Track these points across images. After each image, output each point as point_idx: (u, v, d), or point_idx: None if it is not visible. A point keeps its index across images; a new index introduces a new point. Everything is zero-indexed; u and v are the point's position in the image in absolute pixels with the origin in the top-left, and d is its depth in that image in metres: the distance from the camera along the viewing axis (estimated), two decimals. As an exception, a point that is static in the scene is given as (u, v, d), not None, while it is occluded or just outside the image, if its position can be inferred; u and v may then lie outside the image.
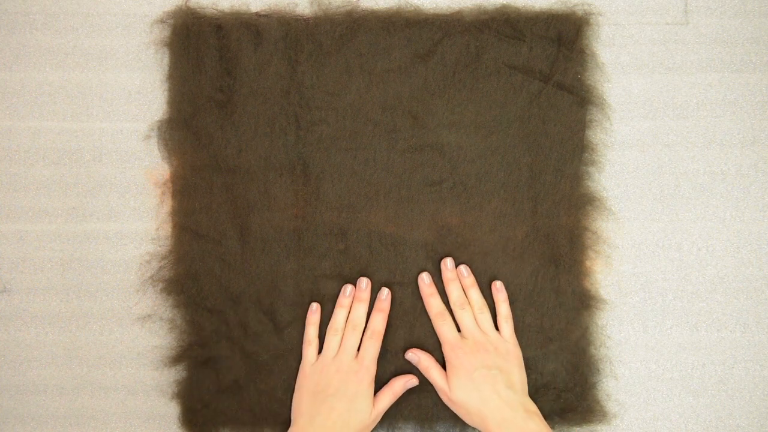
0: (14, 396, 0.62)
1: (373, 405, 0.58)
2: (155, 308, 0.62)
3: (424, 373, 0.60)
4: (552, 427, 0.62)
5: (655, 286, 0.64)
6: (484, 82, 0.62)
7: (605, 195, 0.63)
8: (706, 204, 0.64)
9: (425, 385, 0.61)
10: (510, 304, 0.62)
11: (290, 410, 0.60)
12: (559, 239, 0.62)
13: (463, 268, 0.61)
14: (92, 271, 0.63)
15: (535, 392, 0.61)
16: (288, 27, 0.62)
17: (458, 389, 0.58)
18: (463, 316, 0.60)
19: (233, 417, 0.62)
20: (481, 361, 0.58)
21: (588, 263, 0.63)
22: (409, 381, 0.60)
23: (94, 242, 0.63)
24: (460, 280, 0.61)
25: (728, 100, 0.64)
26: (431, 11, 0.63)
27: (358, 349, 0.60)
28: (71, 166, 0.63)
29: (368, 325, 0.60)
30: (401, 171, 0.62)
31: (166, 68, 0.63)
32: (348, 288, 0.61)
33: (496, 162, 0.62)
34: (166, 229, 0.62)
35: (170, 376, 0.62)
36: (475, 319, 0.60)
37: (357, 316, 0.60)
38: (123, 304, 0.62)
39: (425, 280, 0.61)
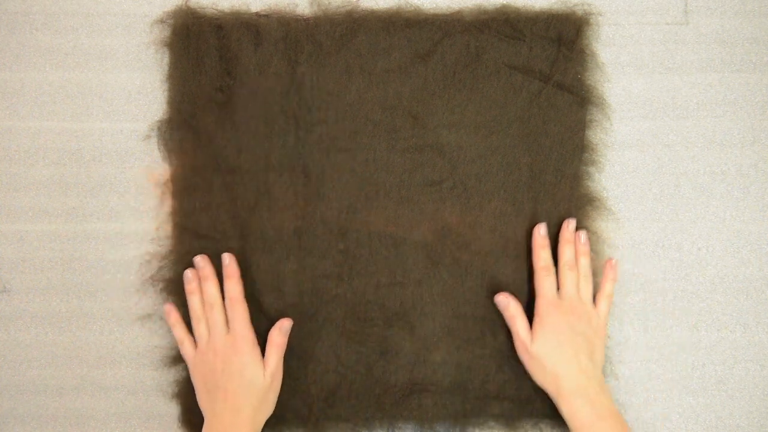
0: (14, 396, 0.62)
1: (264, 367, 0.57)
2: (155, 308, 0.62)
3: (508, 321, 0.60)
4: (552, 428, 0.62)
5: (655, 286, 0.64)
6: (484, 82, 0.62)
7: (605, 195, 0.63)
8: (706, 204, 0.64)
9: (426, 385, 0.61)
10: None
11: (290, 410, 0.60)
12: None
13: (582, 234, 0.61)
14: (92, 271, 0.63)
15: (535, 392, 0.61)
16: (288, 27, 0.62)
17: (541, 343, 0.57)
18: (568, 277, 0.60)
19: (233, 417, 0.62)
20: (572, 324, 0.58)
21: (588, 263, 0.63)
22: (283, 326, 0.59)
23: (94, 242, 0.63)
24: (575, 245, 0.61)
25: (728, 100, 0.64)
26: (431, 11, 0.63)
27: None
28: (71, 166, 0.63)
29: (225, 294, 0.59)
30: (401, 171, 0.62)
31: (166, 68, 0.63)
32: (188, 273, 0.59)
33: (496, 162, 0.62)
34: (166, 229, 0.62)
35: (170, 376, 0.62)
36: (578, 286, 0.60)
37: (209, 294, 0.59)
38: (123, 304, 0.62)
39: (541, 231, 0.61)
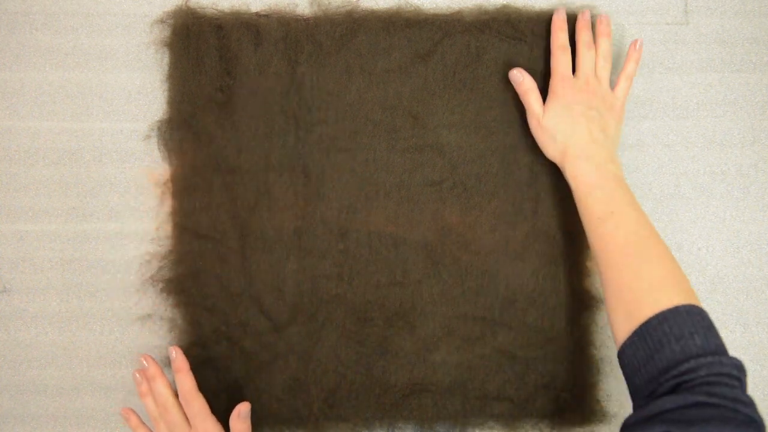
0: (14, 396, 0.62)
1: None
2: (155, 308, 0.62)
3: (522, 96, 0.60)
4: (552, 428, 0.62)
5: (655, 286, 0.64)
6: (485, 82, 0.62)
7: (605, 195, 0.63)
8: (706, 204, 0.64)
9: (426, 385, 0.61)
10: (510, 304, 0.62)
11: (290, 410, 0.60)
12: (559, 239, 0.62)
13: (603, 16, 0.60)
14: (92, 271, 0.63)
15: (535, 392, 0.61)
16: (288, 27, 0.62)
17: (553, 115, 0.57)
18: (585, 56, 0.59)
19: (233, 417, 0.62)
20: (585, 100, 0.57)
21: (588, 263, 0.63)
22: (241, 412, 0.56)
23: (94, 242, 0.63)
24: (597, 27, 0.60)
25: (728, 100, 0.64)
26: (431, 11, 0.63)
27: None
28: (71, 166, 0.63)
29: (178, 390, 0.57)
30: (401, 171, 0.62)
31: (166, 68, 0.63)
32: (136, 375, 0.57)
33: (496, 162, 0.62)
34: (166, 229, 0.62)
35: (170, 376, 0.62)
36: (595, 66, 0.59)
37: (160, 395, 0.56)
38: (123, 304, 0.62)
39: (561, 15, 0.60)
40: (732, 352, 0.63)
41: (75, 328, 0.62)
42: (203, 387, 0.61)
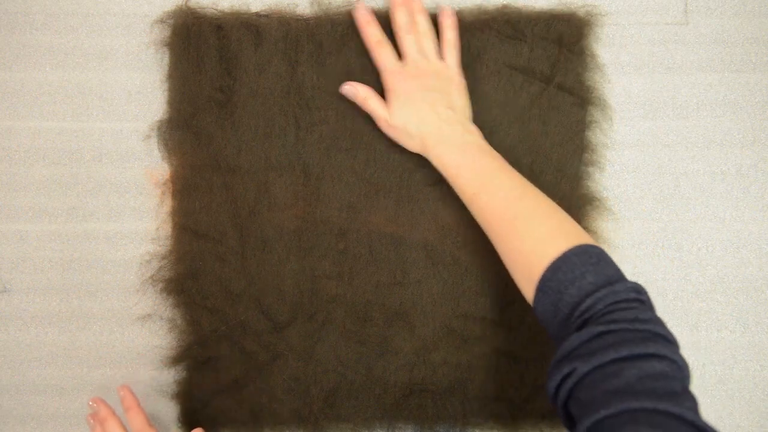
0: (14, 396, 0.62)
1: None
2: (155, 308, 0.62)
3: (362, 105, 0.59)
4: (552, 428, 0.62)
5: (655, 286, 0.64)
6: (485, 82, 0.62)
7: (605, 195, 0.63)
8: (706, 204, 0.64)
9: (426, 386, 0.61)
10: (510, 304, 0.62)
11: (290, 410, 0.60)
12: (559, 239, 0.62)
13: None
14: (92, 271, 0.63)
15: (535, 392, 0.61)
16: (288, 27, 0.62)
17: (398, 112, 0.57)
18: (407, 41, 0.58)
19: (233, 417, 0.62)
20: (422, 84, 0.57)
21: (588, 263, 0.63)
22: None
23: (94, 242, 0.63)
24: (409, 4, 0.59)
25: (728, 100, 0.64)
26: (431, 11, 0.62)
27: None
28: (71, 166, 0.63)
29: (131, 427, 0.57)
30: (401, 171, 0.62)
31: (166, 68, 0.63)
32: (90, 419, 0.58)
33: (496, 162, 0.62)
34: (166, 229, 0.62)
35: (170, 376, 0.62)
36: (418, 46, 0.59)
37: None
38: (123, 304, 0.62)
39: (361, 11, 0.59)
40: (732, 352, 0.63)
41: (75, 328, 0.62)
42: (203, 387, 0.61)
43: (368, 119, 0.62)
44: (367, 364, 0.62)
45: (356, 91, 0.59)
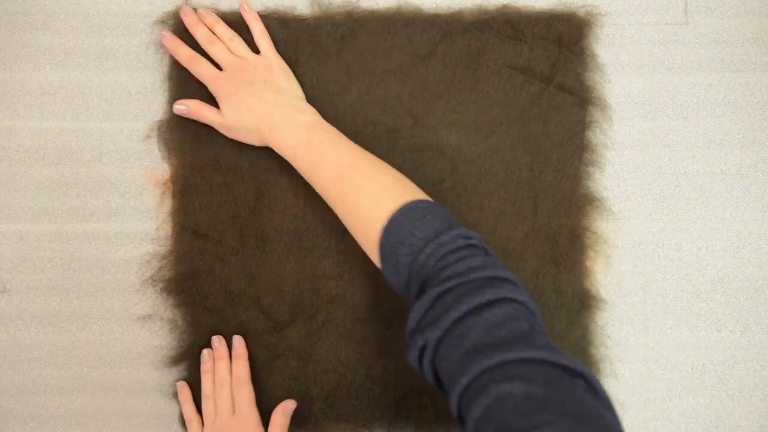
0: (14, 396, 0.62)
1: None
2: (155, 308, 0.62)
3: (197, 117, 0.60)
4: (552, 427, 0.62)
5: (655, 286, 0.64)
6: (485, 82, 0.62)
7: (605, 195, 0.63)
8: (706, 204, 0.64)
9: (426, 386, 0.61)
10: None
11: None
12: (559, 239, 0.62)
13: (202, 9, 0.61)
14: (92, 271, 0.63)
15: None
16: (288, 28, 0.62)
17: (229, 113, 0.58)
18: (216, 50, 0.59)
19: (233, 417, 0.62)
20: (242, 80, 0.58)
21: (588, 263, 0.63)
22: (287, 407, 0.60)
23: (94, 242, 0.63)
24: (203, 22, 0.60)
25: (728, 100, 0.64)
26: (431, 11, 0.63)
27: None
28: (71, 166, 0.63)
29: (232, 375, 0.60)
30: (401, 171, 0.62)
31: (166, 68, 0.63)
32: (205, 353, 0.60)
33: (496, 162, 0.62)
34: (166, 229, 0.62)
35: (170, 376, 0.62)
36: (229, 50, 0.60)
37: (220, 376, 0.60)
38: (123, 304, 0.62)
39: (168, 36, 0.60)
40: (732, 352, 0.63)
41: (75, 328, 0.62)
42: (203, 387, 0.61)
43: (368, 119, 0.61)
44: (367, 364, 0.62)
45: (186, 106, 0.60)
